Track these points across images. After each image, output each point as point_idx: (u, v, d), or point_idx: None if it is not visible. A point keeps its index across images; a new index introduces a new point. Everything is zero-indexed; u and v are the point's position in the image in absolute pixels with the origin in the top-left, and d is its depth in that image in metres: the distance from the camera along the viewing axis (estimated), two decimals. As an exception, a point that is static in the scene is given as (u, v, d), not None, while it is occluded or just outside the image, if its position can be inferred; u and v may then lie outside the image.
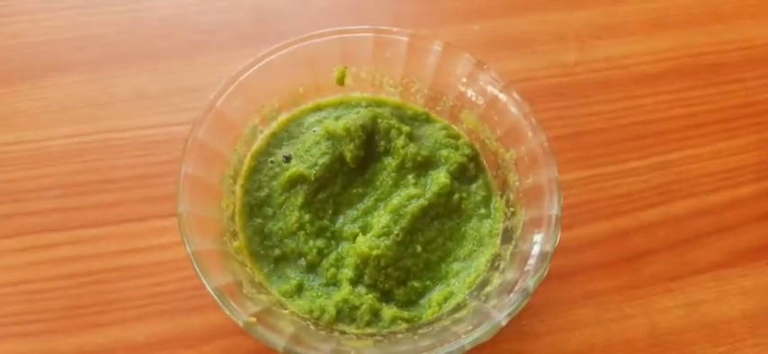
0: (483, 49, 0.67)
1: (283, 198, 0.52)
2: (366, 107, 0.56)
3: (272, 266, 0.50)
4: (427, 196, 0.51)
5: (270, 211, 0.52)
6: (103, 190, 0.57)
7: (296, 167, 0.52)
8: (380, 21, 0.69)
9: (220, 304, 0.41)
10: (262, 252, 0.50)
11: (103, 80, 0.63)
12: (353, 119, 0.54)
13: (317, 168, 0.52)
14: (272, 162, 0.54)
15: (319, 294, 0.49)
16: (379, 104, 0.57)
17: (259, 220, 0.51)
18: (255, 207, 0.52)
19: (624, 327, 0.52)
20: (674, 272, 0.55)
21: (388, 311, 0.47)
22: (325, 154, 0.52)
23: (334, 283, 0.49)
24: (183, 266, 0.53)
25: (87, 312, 0.51)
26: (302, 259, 0.50)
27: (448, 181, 0.52)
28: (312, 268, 0.50)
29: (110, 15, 0.68)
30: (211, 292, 0.42)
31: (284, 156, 0.54)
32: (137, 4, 0.69)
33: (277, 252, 0.50)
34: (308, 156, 0.53)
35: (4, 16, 0.68)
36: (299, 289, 0.49)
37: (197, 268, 0.42)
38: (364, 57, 0.56)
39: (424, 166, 0.54)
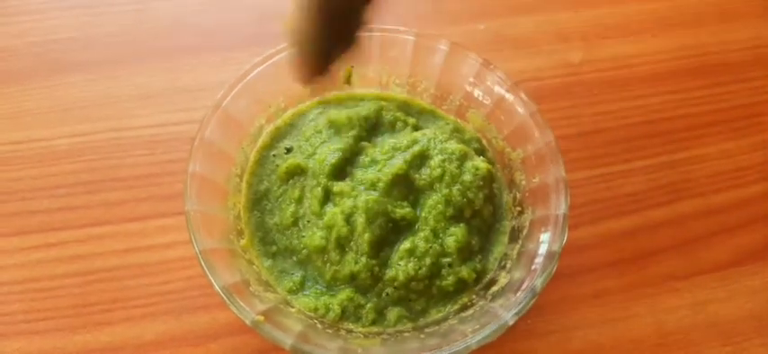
0: (488, 49, 0.67)
1: (281, 190, 0.51)
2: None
3: (271, 261, 0.49)
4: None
5: (268, 205, 0.51)
6: (109, 188, 0.57)
7: (293, 158, 0.51)
8: (386, 20, 0.69)
9: (228, 302, 0.41)
10: (262, 247, 0.50)
11: (108, 79, 0.63)
12: (357, 109, 0.53)
13: (315, 157, 0.51)
14: (274, 155, 0.53)
15: (323, 291, 0.48)
16: (386, 99, 0.57)
17: (258, 214, 0.51)
18: (255, 202, 0.51)
19: (631, 326, 0.52)
20: (680, 271, 0.55)
21: (393, 310, 0.47)
22: (325, 142, 0.52)
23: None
24: (189, 264, 0.53)
25: (94, 310, 0.51)
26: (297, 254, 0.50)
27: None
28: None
29: (115, 15, 0.69)
30: (219, 291, 0.42)
31: (286, 148, 0.53)
32: (142, 4, 0.69)
33: (274, 247, 0.50)
34: (307, 146, 0.52)
35: (9, 16, 0.68)
36: (302, 285, 0.48)
37: (204, 266, 0.42)
38: (371, 56, 0.56)
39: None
